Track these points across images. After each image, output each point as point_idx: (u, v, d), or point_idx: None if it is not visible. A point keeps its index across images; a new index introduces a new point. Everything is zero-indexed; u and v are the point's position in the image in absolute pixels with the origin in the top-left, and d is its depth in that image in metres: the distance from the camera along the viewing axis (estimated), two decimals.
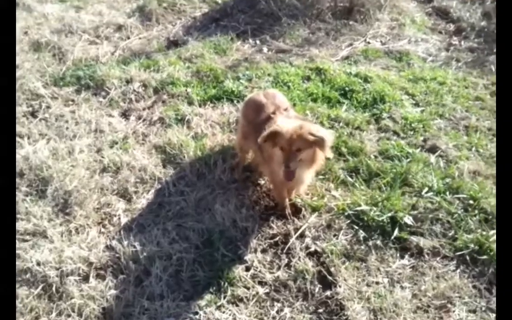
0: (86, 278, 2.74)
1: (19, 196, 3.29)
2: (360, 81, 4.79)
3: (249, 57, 5.38)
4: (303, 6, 6.32)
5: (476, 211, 3.11)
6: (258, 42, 5.83)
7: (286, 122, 2.86)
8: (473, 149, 3.78)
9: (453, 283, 2.67)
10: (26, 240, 2.98)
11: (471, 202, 3.17)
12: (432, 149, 3.77)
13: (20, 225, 3.07)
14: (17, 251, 2.87)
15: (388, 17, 6.41)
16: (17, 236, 2.99)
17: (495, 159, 3.60)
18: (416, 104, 4.51)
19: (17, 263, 2.79)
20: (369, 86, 4.69)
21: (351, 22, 6.23)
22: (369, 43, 5.84)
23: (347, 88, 4.67)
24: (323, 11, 6.33)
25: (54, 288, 2.66)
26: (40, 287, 2.67)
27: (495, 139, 3.87)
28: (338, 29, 6.08)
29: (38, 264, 2.78)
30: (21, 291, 2.64)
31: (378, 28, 6.14)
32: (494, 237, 2.86)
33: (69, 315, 2.54)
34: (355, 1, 6.26)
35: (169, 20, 6.22)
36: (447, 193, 3.24)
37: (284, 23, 6.10)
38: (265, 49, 5.66)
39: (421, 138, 3.94)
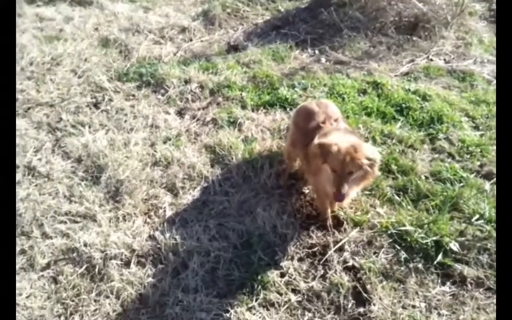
0: (127, 264, 2.88)
1: (74, 180, 3.51)
2: (418, 99, 4.65)
3: (306, 66, 5.39)
4: (366, 18, 6.23)
5: None
6: (317, 52, 5.82)
7: (338, 138, 2.80)
8: None
9: (494, 316, 2.52)
10: (77, 222, 3.18)
11: None
12: (488, 176, 3.59)
13: (73, 207, 3.28)
14: (66, 231, 3.07)
15: (454, 35, 6.16)
16: (68, 217, 3.20)
17: None
18: (476, 128, 4.30)
19: (65, 242, 2.99)
20: (427, 105, 4.54)
21: (414, 38, 6.05)
22: (431, 60, 5.65)
23: (403, 105, 4.55)
24: (386, 25, 6.19)
25: (97, 269, 2.82)
26: (84, 267, 2.85)
27: None
28: (400, 44, 5.93)
29: (85, 245, 2.96)
30: (66, 268, 2.83)
31: (443, 45, 5.92)
32: None
33: (107, 297, 2.68)
34: (420, 17, 6.08)
35: (231, 25, 6.37)
36: None
37: (345, 35, 6.04)
38: (323, 60, 5.64)
39: (478, 163, 3.76)
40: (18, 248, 2.96)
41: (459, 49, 5.94)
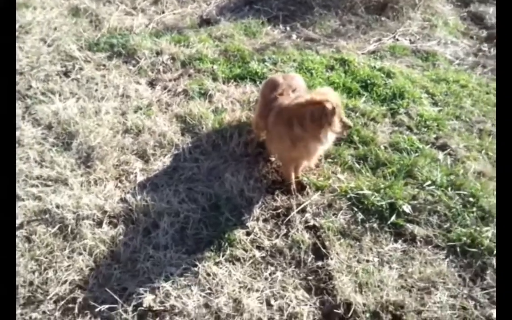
0: (99, 224, 2.99)
1: (45, 146, 3.57)
2: (382, 76, 4.85)
3: (277, 42, 5.51)
4: None
5: (475, 208, 3.19)
6: (288, 28, 5.94)
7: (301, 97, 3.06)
8: (483, 151, 3.82)
9: (439, 269, 2.78)
10: (48, 186, 3.25)
11: (471, 199, 3.25)
12: (442, 147, 3.84)
13: (44, 172, 3.34)
14: (38, 194, 3.14)
15: (421, 16, 6.40)
16: (40, 181, 3.26)
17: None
18: (435, 104, 4.55)
19: (37, 204, 3.07)
20: (390, 81, 4.75)
21: (383, 18, 6.25)
22: (397, 40, 5.86)
23: (368, 81, 4.74)
24: (356, 4, 6.36)
25: (69, 229, 2.92)
26: (56, 227, 2.94)
27: None
28: (369, 24, 6.12)
29: (57, 207, 3.05)
30: (39, 228, 2.91)
31: (409, 26, 6.14)
32: (487, 233, 2.96)
33: (80, 253, 2.79)
34: None
35: None
36: (449, 188, 3.33)
37: (316, 12, 6.18)
38: (294, 36, 5.78)
39: (434, 136, 4.01)
40: None
41: (425, 30, 6.17)
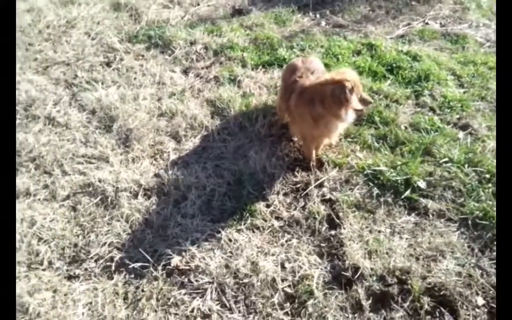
0: (135, 196, 3.33)
1: (90, 128, 3.95)
2: (408, 59, 4.92)
3: (306, 29, 5.69)
4: None
5: (490, 185, 3.26)
6: (318, 15, 6.09)
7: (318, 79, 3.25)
8: None
9: (449, 240, 2.91)
10: (92, 163, 3.63)
11: (486, 175, 3.32)
12: (464, 127, 3.91)
13: (88, 151, 3.72)
14: (83, 170, 3.52)
15: (452, 0, 6.37)
16: (85, 159, 3.65)
17: None
18: (461, 85, 4.59)
19: (82, 178, 3.45)
20: (416, 65, 4.82)
21: (413, 3, 6.28)
22: (427, 24, 5.88)
23: (394, 65, 4.83)
24: None
25: (109, 200, 3.28)
26: (98, 198, 3.30)
27: None
28: (399, 9, 6.18)
29: (99, 181, 3.41)
30: (83, 199, 3.29)
31: (440, 10, 6.14)
32: None
33: (118, 221, 3.14)
34: None
35: None
36: (466, 165, 3.41)
37: None
38: (323, 23, 5.92)
39: (457, 116, 4.07)
40: (41, 184, 3.42)
41: (456, 13, 6.14)
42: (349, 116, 3.24)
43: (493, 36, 5.59)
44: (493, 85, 4.53)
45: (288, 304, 2.62)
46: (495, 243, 2.89)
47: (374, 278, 2.69)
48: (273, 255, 2.87)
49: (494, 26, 5.82)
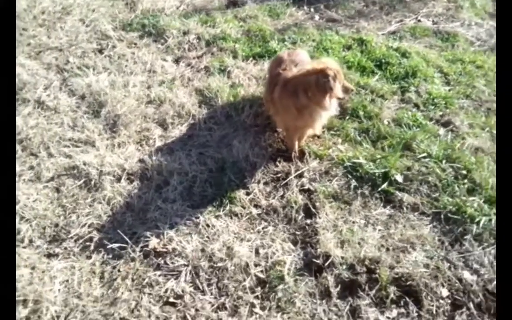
0: (118, 179, 3.40)
1: (78, 113, 4.02)
2: (397, 55, 4.98)
3: (299, 23, 5.73)
4: None
5: (466, 181, 3.33)
6: (312, 9, 6.14)
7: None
8: (486, 129, 3.91)
9: (421, 233, 2.98)
10: (78, 146, 3.69)
11: (463, 172, 3.39)
12: (446, 124, 3.97)
13: (75, 135, 3.79)
14: (69, 153, 3.59)
15: None
16: (71, 142, 3.72)
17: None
18: (447, 83, 4.64)
19: (67, 161, 3.52)
20: (405, 61, 4.87)
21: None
22: (419, 21, 5.93)
23: (383, 60, 4.89)
24: None
25: (92, 183, 3.35)
26: (82, 180, 3.37)
27: None
28: (393, 5, 6.23)
29: (84, 164, 3.48)
30: (67, 181, 3.36)
31: (433, 7, 6.19)
32: (474, 204, 3.11)
33: (100, 203, 3.21)
34: None
35: None
36: (444, 161, 3.48)
37: None
38: (316, 17, 5.97)
39: (440, 113, 4.12)
40: (26, 165, 3.49)
41: (449, 11, 6.19)
42: (333, 105, 3.31)
43: (484, 35, 5.64)
44: (479, 84, 4.58)
45: (259, 288, 2.69)
46: (465, 237, 2.97)
47: (344, 266, 2.76)
48: (248, 241, 2.95)
49: (486, 25, 5.87)
